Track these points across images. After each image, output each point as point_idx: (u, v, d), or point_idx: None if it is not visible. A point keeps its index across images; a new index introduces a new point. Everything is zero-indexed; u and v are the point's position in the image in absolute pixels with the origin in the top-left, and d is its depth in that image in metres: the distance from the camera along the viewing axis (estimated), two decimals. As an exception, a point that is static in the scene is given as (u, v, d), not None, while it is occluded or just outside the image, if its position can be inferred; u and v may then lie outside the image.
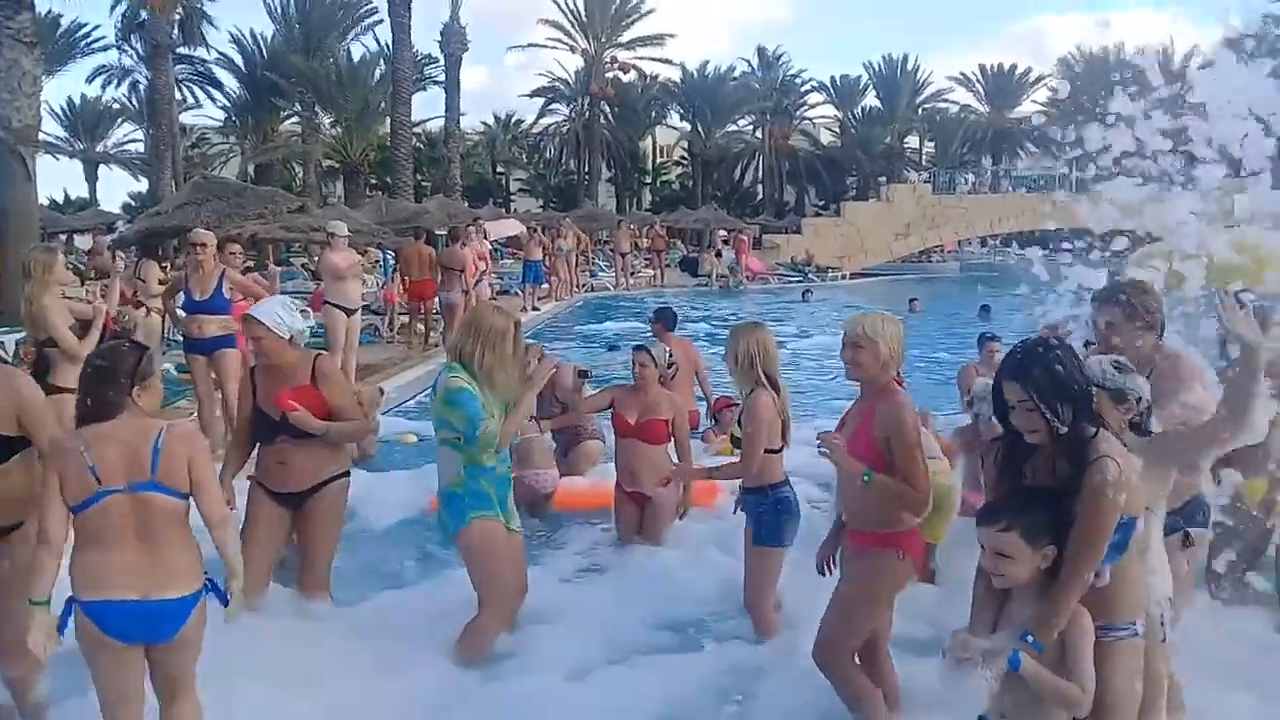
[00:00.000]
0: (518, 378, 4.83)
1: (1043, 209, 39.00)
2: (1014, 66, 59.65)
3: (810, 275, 32.93)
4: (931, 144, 60.97)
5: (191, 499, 3.46)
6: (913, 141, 61.43)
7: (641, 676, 4.65)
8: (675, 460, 6.27)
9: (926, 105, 60.16)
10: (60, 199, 55.14)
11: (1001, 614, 3.14)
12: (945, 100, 60.63)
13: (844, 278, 33.97)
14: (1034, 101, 59.70)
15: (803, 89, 61.55)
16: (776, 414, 4.92)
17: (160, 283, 11.86)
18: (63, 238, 33.57)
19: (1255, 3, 6.02)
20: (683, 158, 63.02)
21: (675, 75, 57.96)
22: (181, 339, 9.17)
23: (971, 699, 3.13)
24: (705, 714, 4.42)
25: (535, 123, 61.04)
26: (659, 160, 64.52)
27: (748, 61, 60.45)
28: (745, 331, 5.08)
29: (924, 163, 59.01)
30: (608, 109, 57.29)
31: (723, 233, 34.43)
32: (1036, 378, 3.06)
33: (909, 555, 4.01)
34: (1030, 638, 2.97)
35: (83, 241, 32.44)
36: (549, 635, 4.98)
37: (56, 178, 78.58)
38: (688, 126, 60.16)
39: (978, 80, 59.96)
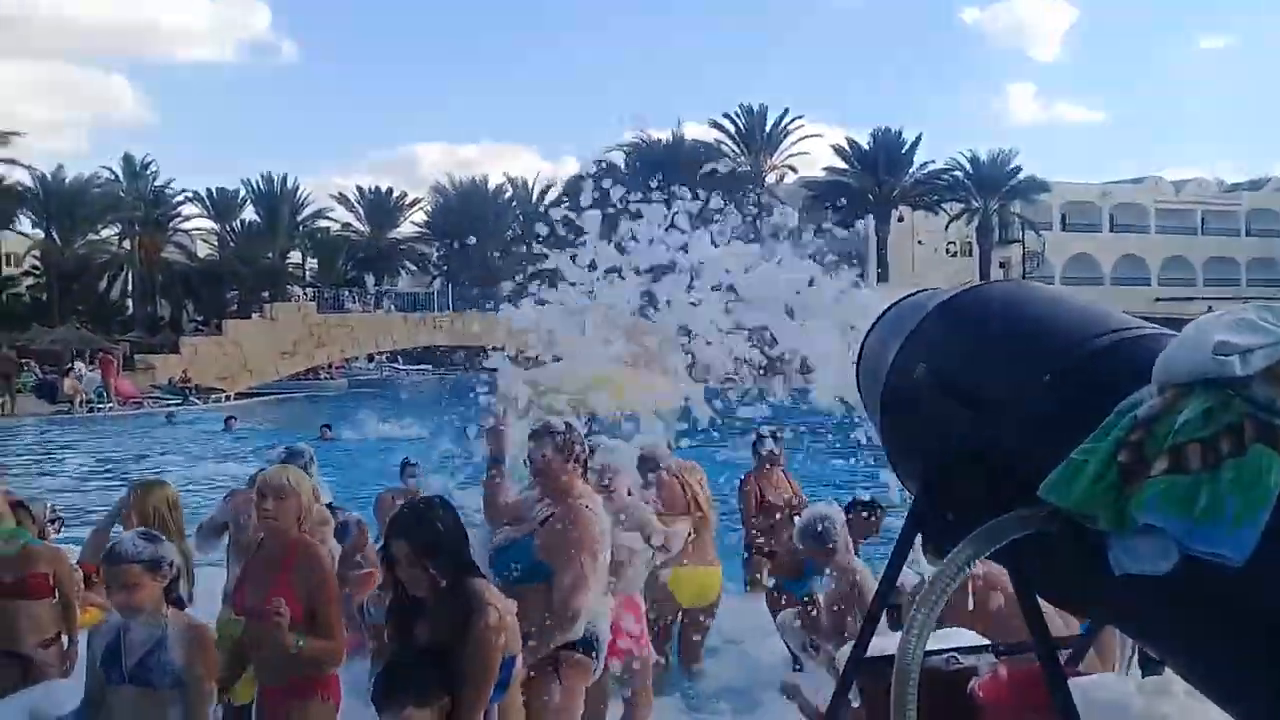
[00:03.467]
0: None
1: (422, 329, 41.29)
2: (390, 189, 62.69)
3: (191, 398, 31.20)
4: (315, 260, 61.43)
5: None
6: (296, 257, 61.37)
7: None
8: None
9: (309, 223, 60.61)
10: None
11: None
12: (327, 218, 61.53)
13: (228, 398, 32.66)
14: (412, 223, 63.14)
15: (175, 199, 58.76)
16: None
17: None
18: None
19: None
20: (35, 268, 56.42)
21: (25, 178, 52.16)
22: None
23: None
24: None
25: None
26: (6, 270, 57.07)
27: (111, 170, 56.34)
28: (155, 490, 5.14)
29: (309, 279, 59.17)
30: (-62, 210, 49.75)
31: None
32: (421, 535, 3.31)
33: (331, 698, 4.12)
34: None
35: None
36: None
37: None
38: (41, 234, 54.16)
39: (357, 200, 61.88)
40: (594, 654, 4.25)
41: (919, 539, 2.03)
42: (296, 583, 3.94)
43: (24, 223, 54.77)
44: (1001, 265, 56.03)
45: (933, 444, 2.00)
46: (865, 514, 6.27)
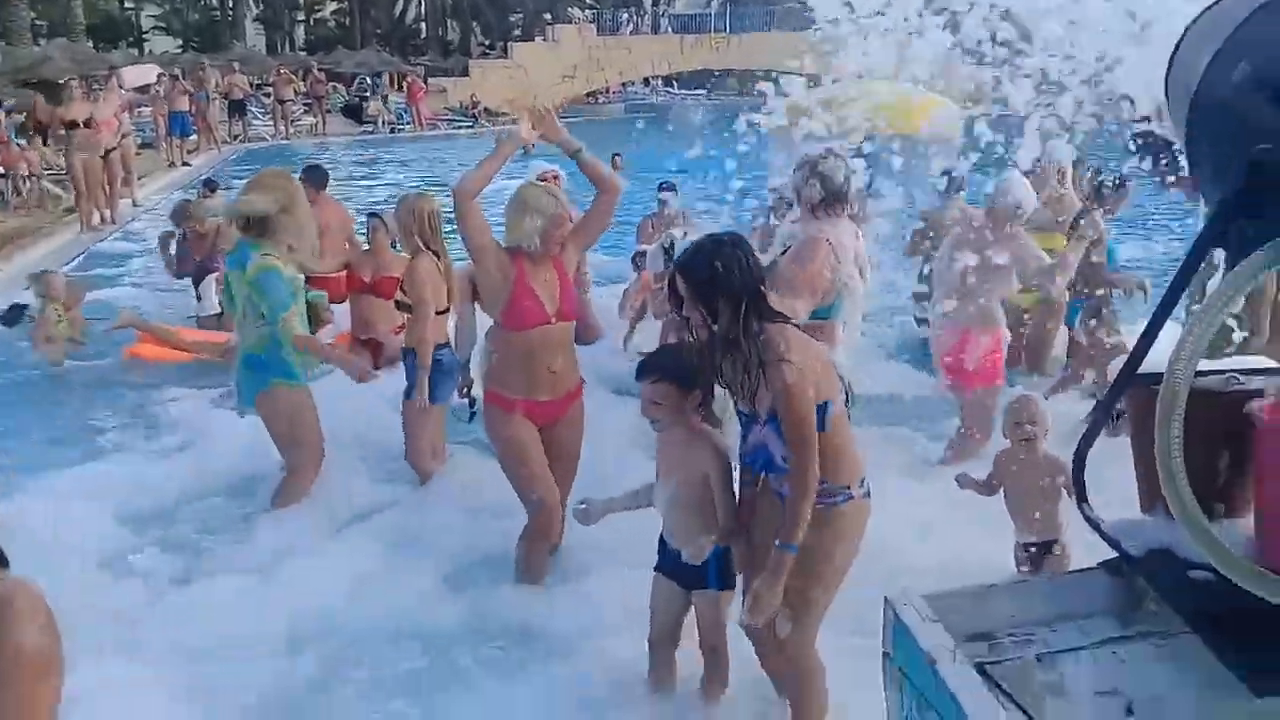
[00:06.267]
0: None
1: (699, 51, 40.48)
2: (671, -100, 59.99)
3: (480, 120, 32.55)
4: (593, -20, 60.71)
5: None
6: (576, -22, 60.86)
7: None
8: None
9: (587, -61, 59.50)
10: None
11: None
12: (605, -66, 60.21)
13: (514, 122, 33.64)
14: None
15: (460, -81, 59.03)
16: (440, 278, 5.32)
17: None
18: None
19: None
20: (337, -8, 59.06)
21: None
22: None
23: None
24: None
25: (166, -50, 54.91)
26: (312, -5, 60.09)
27: (401, -112, 56.98)
28: (407, 201, 5.53)
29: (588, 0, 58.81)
30: (248, -65, 52.57)
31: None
32: (698, 273, 3.08)
33: None
34: (779, 542, 3.09)
35: None
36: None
37: None
38: (342, -43, 56.35)
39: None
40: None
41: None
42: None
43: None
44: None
45: (1245, 151, 1.86)
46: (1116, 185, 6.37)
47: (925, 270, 8.35)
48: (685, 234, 6.44)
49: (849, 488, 3.20)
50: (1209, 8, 2.27)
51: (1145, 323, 2.14)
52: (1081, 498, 2.45)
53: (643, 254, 7.55)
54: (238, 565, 4.67)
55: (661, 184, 9.07)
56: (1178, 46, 2.30)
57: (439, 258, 5.37)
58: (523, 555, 4.46)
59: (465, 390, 5.08)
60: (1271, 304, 5.77)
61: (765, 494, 3.34)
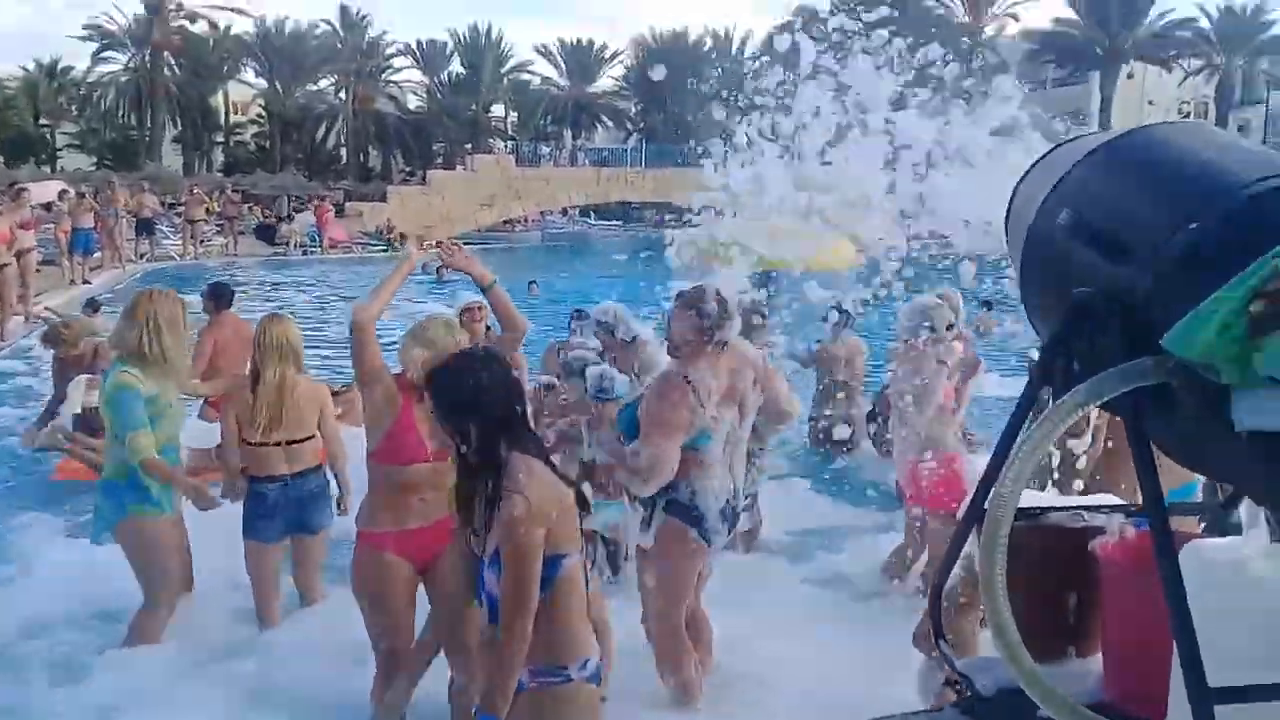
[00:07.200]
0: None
1: (615, 184, 41.47)
2: (591, 41, 62.34)
3: (395, 245, 32.61)
4: (515, 114, 62.27)
5: None
6: (498, 111, 62.37)
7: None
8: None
9: (511, 75, 61.30)
10: None
11: None
12: (528, 71, 62.07)
13: (432, 246, 33.88)
14: (611, 77, 62.84)
15: (387, 51, 60.46)
16: (245, 406, 4.94)
17: None
18: None
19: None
20: (259, 116, 59.59)
21: (249, 28, 54.85)
22: None
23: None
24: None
25: (89, 71, 55.00)
26: (233, 118, 60.54)
27: (328, 21, 58.27)
28: (262, 322, 5.19)
29: (509, 132, 60.18)
30: (172, 60, 52.97)
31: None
32: (449, 391, 2.92)
33: None
34: (484, 716, 2.77)
35: None
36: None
37: None
38: (264, 84, 57.01)
39: (558, 53, 61.95)
40: (696, 525, 4.18)
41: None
42: None
43: (249, 73, 57.80)
44: (1240, 129, 51.24)
45: (1068, 295, 1.90)
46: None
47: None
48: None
49: (567, 667, 2.84)
50: (1045, 154, 2.35)
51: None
52: (939, 634, 2.41)
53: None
54: (75, 712, 4.32)
55: (574, 312, 8.99)
56: (1016, 189, 2.37)
57: (256, 383, 4.96)
58: (376, 701, 4.16)
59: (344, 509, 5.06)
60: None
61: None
